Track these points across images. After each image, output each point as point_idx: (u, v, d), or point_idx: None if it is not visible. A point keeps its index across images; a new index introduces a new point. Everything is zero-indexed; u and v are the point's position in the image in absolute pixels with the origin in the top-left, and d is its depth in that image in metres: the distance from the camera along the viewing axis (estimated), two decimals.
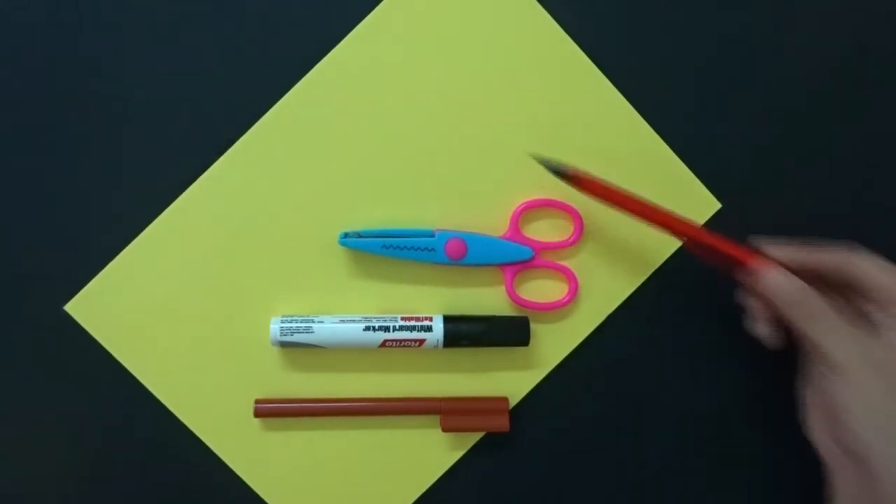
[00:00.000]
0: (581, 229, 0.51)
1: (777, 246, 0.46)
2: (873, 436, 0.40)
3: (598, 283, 0.52)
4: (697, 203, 0.52)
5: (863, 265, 0.43)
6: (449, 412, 0.51)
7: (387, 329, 0.49)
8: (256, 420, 0.52)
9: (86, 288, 0.51)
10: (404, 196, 0.51)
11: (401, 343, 0.50)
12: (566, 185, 0.47)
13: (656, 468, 0.53)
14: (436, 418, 0.52)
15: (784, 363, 0.53)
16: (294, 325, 0.49)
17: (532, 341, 0.51)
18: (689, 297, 0.53)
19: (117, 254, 0.51)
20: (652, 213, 0.47)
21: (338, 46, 0.51)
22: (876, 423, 0.40)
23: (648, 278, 0.52)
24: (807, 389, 0.45)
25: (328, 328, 0.49)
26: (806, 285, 0.43)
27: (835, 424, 0.42)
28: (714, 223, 0.52)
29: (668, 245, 0.52)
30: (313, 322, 0.50)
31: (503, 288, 0.52)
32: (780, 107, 0.52)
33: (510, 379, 0.52)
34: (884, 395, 0.40)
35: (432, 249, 0.50)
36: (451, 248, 0.50)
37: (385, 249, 0.50)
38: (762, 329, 0.47)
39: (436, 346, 0.50)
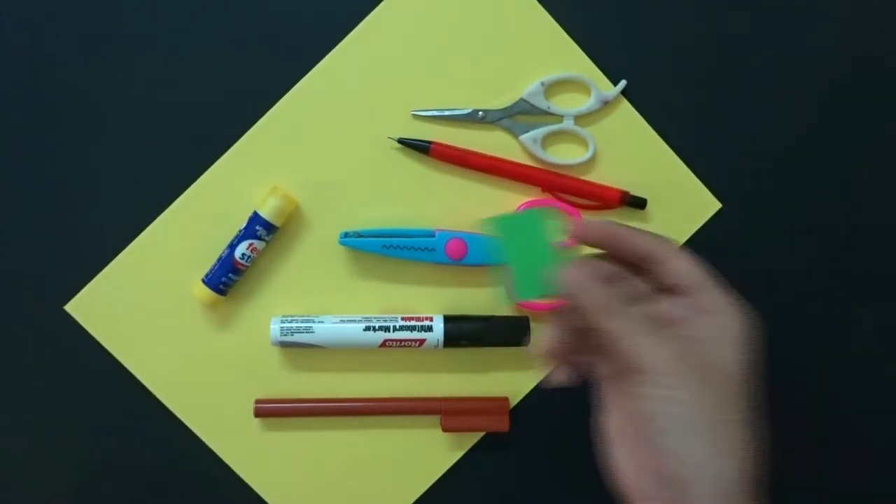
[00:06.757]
0: None
1: (590, 223, 0.39)
2: (693, 450, 0.33)
3: None
4: (697, 203, 0.52)
5: (672, 258, 0.37)
6: (449, 412, 0.51)
7: (387, 329, 0.49)
8: (256, 420, 0.52)
9: (86, 288, 0.51)
10: (404, 196, 0.51)
11: (401, 343, 0.50)
12: (430, 158, 0.50)
13: None
14: (436, 418, 0.52)
15: (784, 365, 0.53)
16: (294, 325, 0.49)
17: (532, 341, 0.51)
18: None
19: (117, 254, 0.51)
20: (508, 168, 0.50)
21: (337, 47, 0.50)
22: (694, 435, 0.33)
23: None
24: (609, 418, 0.38)
25: (328, 328, 0.49)
26: (603, 285, 0.36)
27: (647, 449, 0.34)
28: (714, 223, 0.52)
29: None
30: (313, 322, 0.50)
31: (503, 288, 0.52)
32: (779, 108, 0.52)
33: (510, 379, 0.52)
34: (698, 402, 0.33)
35: (432, 249, 0.50)
36: (451, 248, 0.50)
37: (385, 249, 0.50)
38: (557, 373, 0.40)
39: (436, 346, 0.50)
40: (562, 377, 0.39)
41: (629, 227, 0.38)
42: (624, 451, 0.36)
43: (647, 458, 0.34)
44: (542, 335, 0.38)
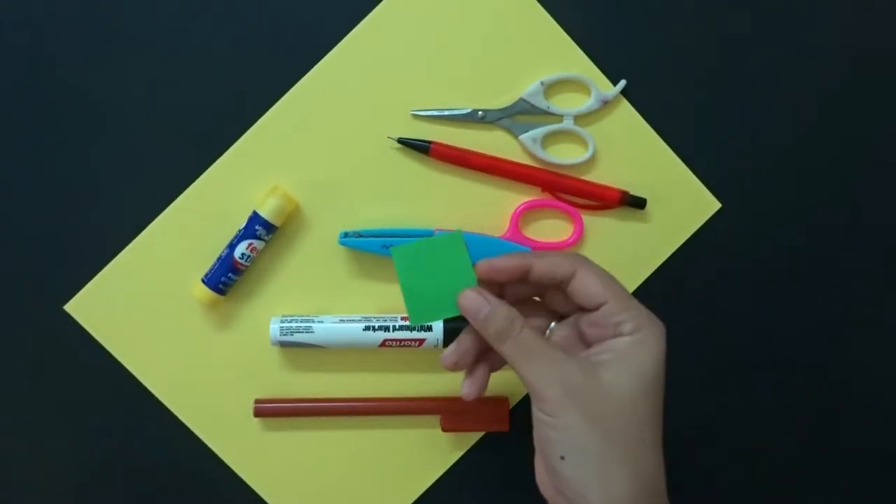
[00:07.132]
0: (581, 229, 0.51)
1: (498, 261, 0.39)
2: (583, 475, 0.34)
3: None
4: (697, 203, 0.52)
5: (580, 276, 0.37)
6: (449, 412, 0.51)
7: (387, 329, 0.49)
8: (256, 420, 0.52)
9: (86, 288, 0.51)
10: (404, 196, 0.51)
11: (401, 343, 0.50)
12: (430, 158, 0.50)
13: None
14: (436, 418, 0.52)
15: (784, 364, 0.53)
16: (294, 324, 0.49)
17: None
18: (688, 298, 0.53)
19: (117, 254, 0.51)
20: (508, 167, 0.50)
21: (337, 47, 0.50)
22: (585, 460, 0.34)
23: (648, 278, 0.52)
24: (534, 434, 0.37)
25: (328, 328, 0.49)
26: (502, 305, 0.37)
27: (547, 467, 0.36)
28: (714, 223, 0.52)
29: (667, 245, 0.52)
30: (313, 322, 0.50)
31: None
32: (779, 108, 0.52)
33: (510, 379, 0.52)
34: (588, 431, 0.34)
35: None
36: None
37: (385, 249, 0.50)
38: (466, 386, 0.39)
39: (436, 346, 0.50)
40: (470, 390, 0.39)
41: (540, 253, 0.39)
42: (540, 464, 0.37)
43: (548, 475, 0.36)
44: (446, 349, 0.39)
